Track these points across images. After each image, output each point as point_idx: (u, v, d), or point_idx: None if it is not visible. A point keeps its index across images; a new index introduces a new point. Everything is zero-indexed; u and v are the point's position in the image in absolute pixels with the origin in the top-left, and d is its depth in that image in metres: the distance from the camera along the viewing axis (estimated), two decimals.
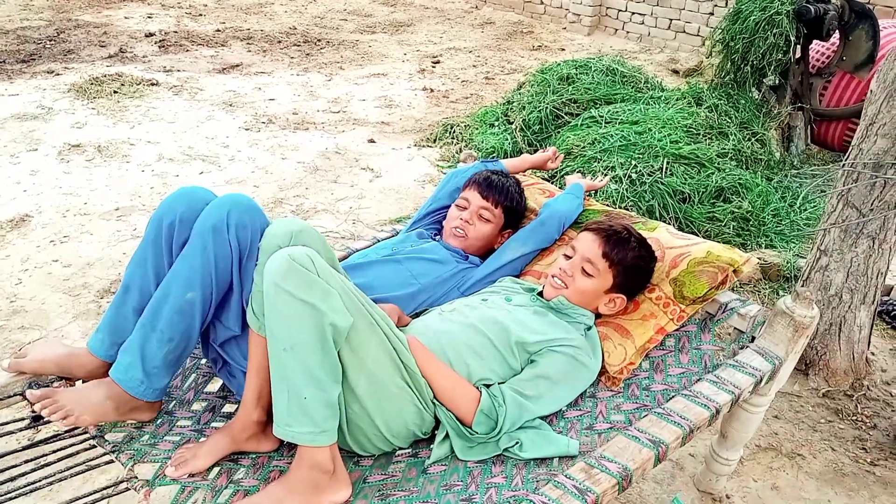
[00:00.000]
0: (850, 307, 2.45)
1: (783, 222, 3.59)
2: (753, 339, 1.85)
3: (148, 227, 1.66)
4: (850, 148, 2.32)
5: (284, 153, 4.68)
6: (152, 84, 5.79)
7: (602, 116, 4.11)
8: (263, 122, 5.18)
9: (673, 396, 1.69)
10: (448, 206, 2.32)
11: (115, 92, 5.52)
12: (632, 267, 1.84)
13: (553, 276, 1.87)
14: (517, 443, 1.59)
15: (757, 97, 4.42)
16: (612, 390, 1.80)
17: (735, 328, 1.91)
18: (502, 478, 1.53)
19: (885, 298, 3.01)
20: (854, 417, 2.46)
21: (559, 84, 4.59)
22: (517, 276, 2.10)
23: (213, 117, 5.23)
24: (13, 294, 3.07)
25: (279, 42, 7.33)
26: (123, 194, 3.98)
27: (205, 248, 1.57)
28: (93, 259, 3.35)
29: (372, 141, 4.92)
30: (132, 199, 3.93)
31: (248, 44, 7.23)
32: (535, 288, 1.96)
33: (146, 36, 7.20)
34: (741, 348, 1.84)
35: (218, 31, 7.60)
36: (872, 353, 2.69)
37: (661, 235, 2.01)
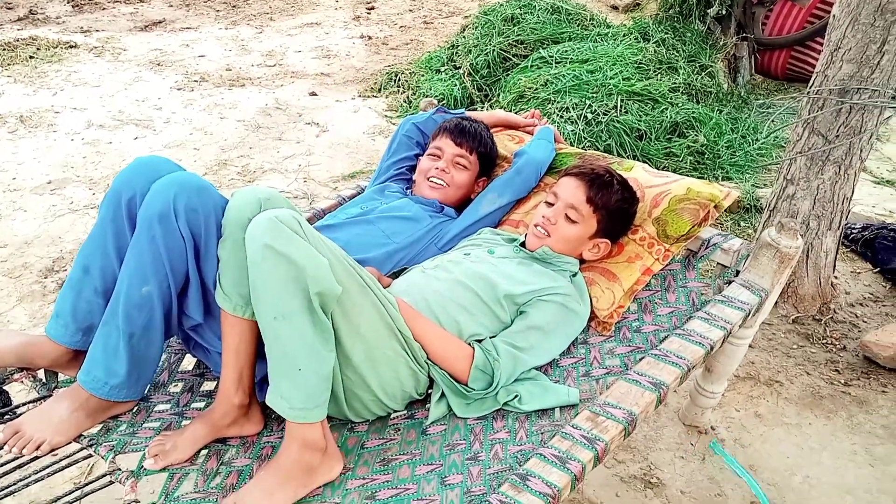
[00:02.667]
0: (816, 234, 2.48)
1: (737, 154, 3.61)
2: (738, 272, 1.85)
3: (103, 204, 1.52)
4: (815, 74, 2.31)
5: (222, 112, 4.46)
6: (70, 46, 5.42)
7: (552, 56, 4.03)
8: (196, 81, 4.92)
9: (665, 337, 1.67)
10: (407, 157, 2.22)
11: (31, 57, 5.15)
12: (616, 210, 1.79)
13: (536, 226, 1.81)
14: (516, 396, 1.55)
15: (702, 29, 4.40)
16: (604, 335, 1.77)
17: (719, 263, 1.90)
18: (505, 433, 1.49)
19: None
20: (824, 341, 2.51)
21: (504, 25, 4.47)
22: (495, 227, 2.04)
23: (141, 78, 4.94)
24: None
25: None
26: (54, 166, 3.73)
27: (152, 239, 1.43)
28: (30, 237, 3.14)
29: (314, 94, 4.73)
30: (65, 171, 3.69)
31: None
32: (516, 238, 1.90)
33: None
34: (727, 283, 1.83)
35: None
36: (836, 277, 2.74)
37: (639, 175, 1.97)
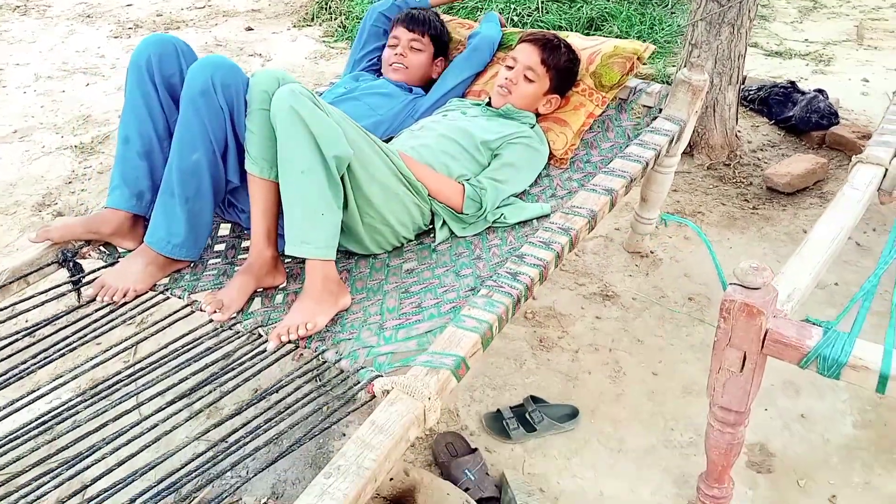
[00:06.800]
0: (720, 89, 2.96)
1: (647, 41, 4.06)
2: (661, 110, 2.28)
3: (127, 78, 1.80)
4: None
5: None
6: None
7: None
8: (130, 28, 5.04)
9: (610, 161, 2.10)
10: (377, 47, 2.54)
11: None
12: (564, 69, 2.18)
13: (499, 86, 2.19)
14: (501, 215, 1.96)
15: None
16: (562, 168, 2.19)
17: (644, 105, 2.33)
18: (498, 240, 1.90)
19: (742, 87, 3.57)
20: (734, 180, 3.02)
21: None
22: (462, 98, 2.41)
23: (75, 31, 5.02)
24: None
25: None
26: (15, 117, 3.88)
27: (197, 111, 1.71)
28: (13, 179, 3.33)
29: (250, 28, 4.93)
30: (27, 120, 3.84)
31: None
32: (481, 103, 2.28)
33: None
34: (653, 119, 2.27)
35: None
36: (739, 131, 3.24)
37: (574, 40, 2.36)
